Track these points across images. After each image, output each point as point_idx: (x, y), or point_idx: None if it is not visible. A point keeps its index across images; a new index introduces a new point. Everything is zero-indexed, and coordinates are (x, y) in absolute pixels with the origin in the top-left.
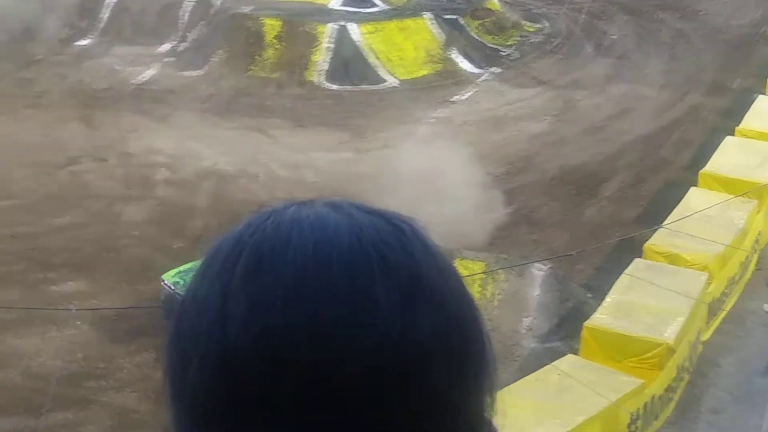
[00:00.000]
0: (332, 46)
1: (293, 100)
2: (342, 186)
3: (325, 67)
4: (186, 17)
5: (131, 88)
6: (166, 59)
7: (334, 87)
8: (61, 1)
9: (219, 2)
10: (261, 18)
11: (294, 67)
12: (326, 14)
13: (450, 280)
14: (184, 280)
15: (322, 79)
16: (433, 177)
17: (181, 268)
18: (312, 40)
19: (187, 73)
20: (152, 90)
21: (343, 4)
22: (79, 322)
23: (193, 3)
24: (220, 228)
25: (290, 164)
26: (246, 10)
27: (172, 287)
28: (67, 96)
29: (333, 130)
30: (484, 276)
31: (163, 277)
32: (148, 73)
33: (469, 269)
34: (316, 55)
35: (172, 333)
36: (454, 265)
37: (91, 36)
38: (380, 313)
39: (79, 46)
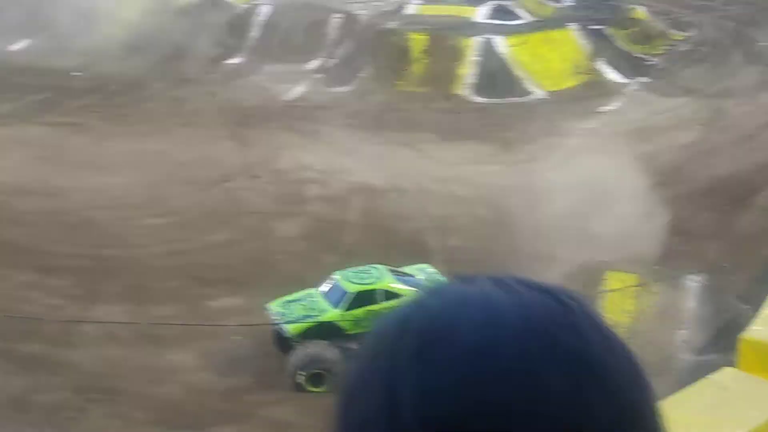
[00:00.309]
0: (478, 59)
1: (440, 114)
2: (492, 199)
3: (472, 80)
4: (333, 34)
5: (281, 105)
6: (314, 76)
7: (481, 100)
8: (212, 21)
9: (366, 18)
10: (407, 33)
11: (440, 81)
12: (472, 28)
13: (622, 361)
14: (289, 310)
15: (469, 92)
16: (582, 189)
17: (287, 297)
18: (458, 54)
19: (335, 89)
20: (301, 107)
21: (489, 17)
22: (236, 337)
23: (340, 19)
24: (371, 242)
25: (439, 178)
26: (392, 25)
27: (276, 318)
28: (219, 114)
29: (480, 143)
30: (637, 288)
31: (269, 305)
32: (298, 89)
33: (622, 281)
34: (462, 68)
35: (340, 410)
36: (621, 339)
37: (240, 54)
38: (552, 399)
39: (230, 64)
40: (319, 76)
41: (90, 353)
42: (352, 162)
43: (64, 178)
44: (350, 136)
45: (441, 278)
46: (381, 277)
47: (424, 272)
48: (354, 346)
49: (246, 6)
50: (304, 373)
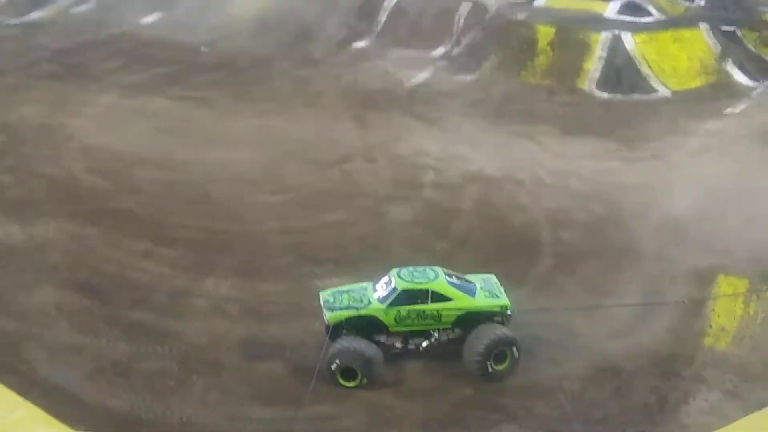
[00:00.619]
0: (605, 54)
1: (562, 108)
2: (608, 196)
3: (597, 75)
4: (461, 22)
5: (404, 90)
6: (439, 63)
7: (605, 95)
8: (342, 4)
9: (494, 8)
10: (535, 25)
11: (565, 75)
12: (601, 23)
13: None
14: (336, 299)
15: (593, 87)
16: (702, 190)
17: (339, 288)
18: (585, 48)
19: (459, 78)
20: (424, 93)
21: (619, 13)
22: None
23: (468, 8)
24: (483, 231)
25: (556, 171)
26: (521, 16)
27: (322, 303)
28: (342, 96)
29: (601, 138)
30: (748, 294)
31: (321, 292)
32: (421, 76)
33: (733, 286)
34: (588, 63)
35: None
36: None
37: (367, 38)
38: None
39: (356, 47)
40: (443, 63)
41: (196, 325)
42: (470, 150)
43: (184, 151)
44: (471, 124)
45: (502, 291)
46: (434, 279)
47: (487, 282)
48: (397, 344)
49: None
50: (336, 365)
